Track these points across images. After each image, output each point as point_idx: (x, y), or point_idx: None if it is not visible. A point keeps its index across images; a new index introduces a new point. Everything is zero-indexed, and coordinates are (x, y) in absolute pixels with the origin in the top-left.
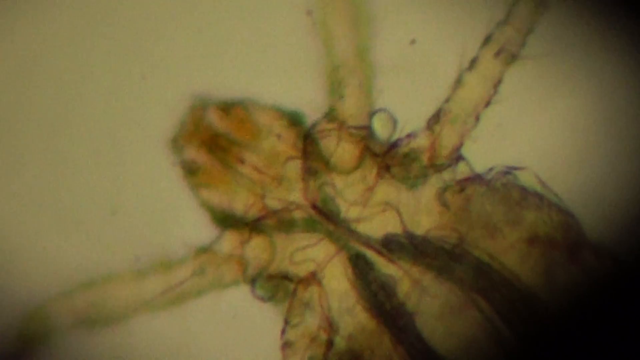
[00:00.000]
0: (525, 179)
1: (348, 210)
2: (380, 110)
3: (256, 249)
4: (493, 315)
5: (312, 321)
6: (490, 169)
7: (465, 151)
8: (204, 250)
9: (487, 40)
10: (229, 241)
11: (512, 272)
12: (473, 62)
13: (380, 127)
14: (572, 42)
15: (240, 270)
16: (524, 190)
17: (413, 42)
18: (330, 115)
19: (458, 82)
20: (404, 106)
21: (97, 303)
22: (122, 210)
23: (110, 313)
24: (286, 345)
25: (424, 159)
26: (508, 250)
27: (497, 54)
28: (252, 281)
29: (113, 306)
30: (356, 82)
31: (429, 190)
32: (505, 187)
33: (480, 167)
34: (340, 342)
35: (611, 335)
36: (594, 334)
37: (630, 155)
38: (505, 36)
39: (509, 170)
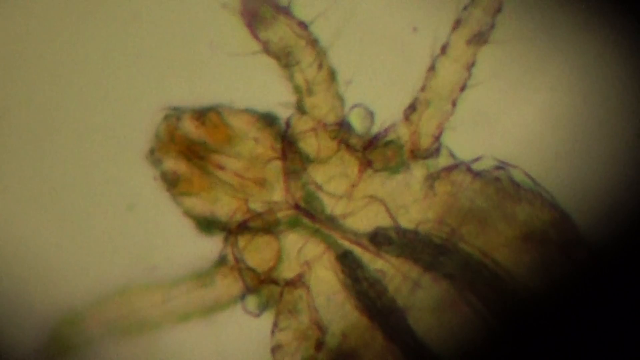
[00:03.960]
0: (516, 175)
1: (334, 207)
2: (356, 105)
3: (249, 253)
4: (484, 311)
5: (301, 323)
6: (478, 158)
7: (448, 141)
8: (219, 264)
9: (456, 24)
10: (230, 251)
11: (504, 268)
12: (445, 48)
13: (358, 123)
14: (558, 32)
15: (242, 278)
16: (516, 185)
17: (415, 29)
18: (301, 109)
19: (431, 69)
20: (380, 98)
21: (128, 313)
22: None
23: (140, 323)
24: (276, 348)
25: (406, 149)
26: (502, 247)
27: (469, 41)
28: (242, 297)
29: (143, 316)
30: (322, 80)
31: (414, 180)
32: (497, 182)
33: (465, 157)
34: (332, 341)
35: (604, 332)
36: (587, 331)
37: (621, 150)
38: (474, 18)
39: (501, 166)
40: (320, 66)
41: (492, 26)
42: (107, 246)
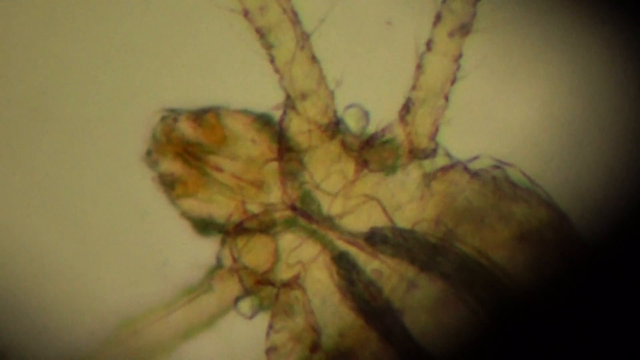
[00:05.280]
0: (513, 174)
1: (330, 208)
2: (351, 105)
3: (246, 254)
4: (480, 310)
5: (296, 324)
6: (475, 158)
7: (444, 140)
8: (216, 268)
9: (437, 18)
10: (227, 253)
11: (500, 268)
12: (429, 44)
13: (353, 123)
14: (557, 29)
15: (239, 280)
16: (513, 185)
17: (389, 23)
18: (291, 104)
19: (419, 67)
20: (374, 97)
21: (139, 344)
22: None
23: (151, 350)
24: (271, 350)
25: (403, 149)
26: (498, 246)
27: (452, 33)
28: (235, 300)
29: (153, 343)
30: (304, 58)
31: (411, 180)
32: (495, 181)
33: (461, 156)
34: (327, 343)
35: (601, 331)
36: (583, 330)
37: (618, 148)
38: (454, 10)
39: (498, 165)
40: (300, 49)
41: (474, 15)
42: (116, 244)
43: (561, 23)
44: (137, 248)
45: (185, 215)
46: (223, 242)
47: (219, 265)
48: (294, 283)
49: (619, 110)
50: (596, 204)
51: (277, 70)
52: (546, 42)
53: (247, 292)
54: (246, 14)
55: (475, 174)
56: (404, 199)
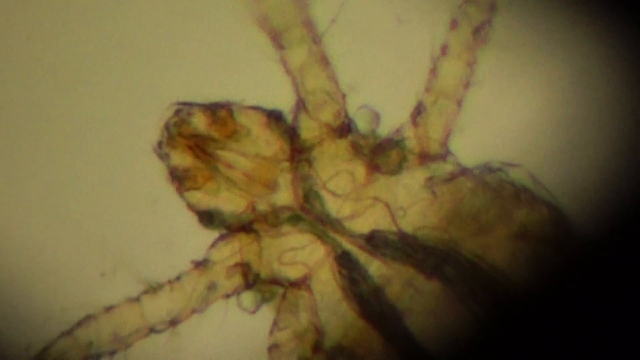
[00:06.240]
0: (516, 175)
1: (339, 209)
2: (362, 107)
3: (252, 253)
4: (482, 315)
5: (300, 324)
6: (481, 164)
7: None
8: (204, 263)
9: (453, 24)
10: (226, 249)
11: (502, 272)
12: (444, 48)
13: (364, 124)
14: (557, 30)
15: (243, 277)
16: (515, 187)
17: (400, 21)
18: (302, 105)
19: (433, 70)
20: (386, 99)
21: (101, 336)
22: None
23: (114, 342)
24: (273, 348)
25: (413, 153)
26: (497, 247)
27: (468, 40)
28: (238, 293)
29: (119, 335)
30: (315, 62)
31: (416, 183)
32: (497, 183)
33: (462, 155)
34: (330, 343)
35: (600, 330)
36: (583, 330)
37: (620, 148)
38: (470, 16)
39: (500, 167)
40: (312, 51)
41: (489, 23)
42: (120, 237)
43: (564, 27)
44: (143, 240)
45: (192, 207)
46: (224, 239)
47: (213, 261)
48: (302, 283)
49: (620, 111)
50: (597, 203)
51: (288, 72)
52: (548, 45)
53: (248, 287)
54: (258, 16)
55: (479, 178)
56: (408, 203)
